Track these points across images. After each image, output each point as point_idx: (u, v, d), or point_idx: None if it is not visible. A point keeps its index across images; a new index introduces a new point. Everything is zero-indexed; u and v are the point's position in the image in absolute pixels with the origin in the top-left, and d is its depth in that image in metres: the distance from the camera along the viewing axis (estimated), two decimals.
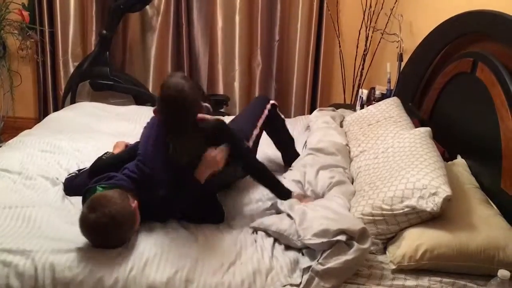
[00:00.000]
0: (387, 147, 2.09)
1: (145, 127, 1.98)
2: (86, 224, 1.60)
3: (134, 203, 1.69)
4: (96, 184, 1.77)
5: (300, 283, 1.55)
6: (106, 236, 1.61)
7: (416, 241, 1.62)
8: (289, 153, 2.41)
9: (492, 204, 1.84)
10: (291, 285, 1.55)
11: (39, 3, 3.58)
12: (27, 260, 1.55)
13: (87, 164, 2.16)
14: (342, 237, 1.57)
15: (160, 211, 1.80)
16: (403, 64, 2.91)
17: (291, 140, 2.45)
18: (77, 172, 2.12)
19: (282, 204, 1.88)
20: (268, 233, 1.77)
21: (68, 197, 1.98)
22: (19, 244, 1.60)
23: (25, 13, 3.41)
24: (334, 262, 1.54)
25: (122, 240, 1.65)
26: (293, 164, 2.28)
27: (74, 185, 2.04)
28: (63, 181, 2.08)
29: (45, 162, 2.20)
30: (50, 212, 1.82)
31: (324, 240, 1.58)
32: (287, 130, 2.44)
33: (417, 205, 1.64)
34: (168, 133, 1.82)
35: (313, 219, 1.69)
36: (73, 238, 1.66)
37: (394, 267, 1.63)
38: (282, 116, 2.44)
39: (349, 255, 1.55)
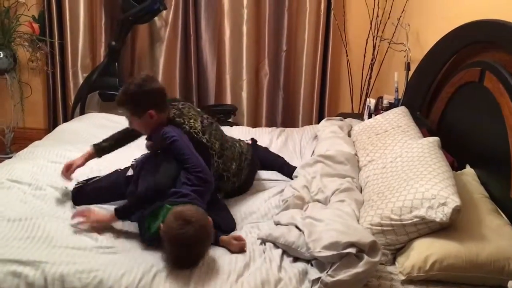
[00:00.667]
0: (396, 157, 2.08)
1: (177, 140, 1.95)
2: (181, 237, 1.60)
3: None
4: (171, 200, 1.79)
5: None
6: (200, 249, 1.65)
7: (425, 251, 1.62)
8: (286, 169, 2.45)
9: (502, 214, 1.83)
10: None
11: (49, 15, 3.63)
12: (36, 271, 1.56)
13: (95, 173, 2.18)
14: (352, 250, 1.55)
15: None
16: (410, 73, 2.91)
17: (281, 158, 2.55)
18: (85, 181, 2.13)
19: (284, 216, 1.89)
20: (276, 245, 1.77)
21: (76, 206, 1.99)
22: (29, 255, 1.62)
23: (35, 25, 3.46)
24: (344, 274, 1.53)
25: (203, 255, 1.68)
26: (298, 170, 2.30)
27: (85, 194, 2.05)
28: (71, 190, 2.10)
29: (55, 173, 2.21)
30: (59, 223, 1.83)
31: (334, 252, 1.56)
32: (273, 153, 2.57)
33: (426, 215, 1.63)
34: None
35: (322, 231, 1.67)
36: (82, 248, 1.68)
37: (403, 278, 1.62)
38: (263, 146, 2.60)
39: (359, 268, 1.53)
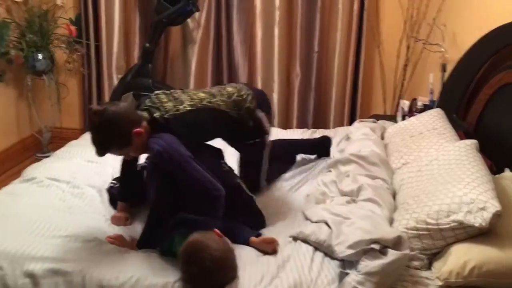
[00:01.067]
0: (431, 160, 2.04)
1: (162, 153, 1.76)
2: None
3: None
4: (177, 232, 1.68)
5: None
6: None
7: (463, 257, 1.58)
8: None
9: None
10: None
11: (85, 18, 3.71)
12: (75, 269, 1.60)
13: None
14: (375, 246, 1.56)
15: None
16: (446, 74, 2.85)
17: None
18: (114, 182, 2.16)
19: (313, 213, 1.91)
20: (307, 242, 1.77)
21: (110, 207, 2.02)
22: (68, 253, 1.66)
23: (73, 28, 3.55)
24: (371, 267, 1.53)
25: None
26: (330, 164, 2.35)
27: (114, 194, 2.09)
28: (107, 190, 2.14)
29: (92, 172, 2.27)
30: (97, 221, 1.87)
31: (358, 249, 1.58)
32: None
33: (464, 220, 1.60)
34: None
35: (349, 232, 1.68)
36: (118, 247, 1.71)
37: (440, 283, 1.59)
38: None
39: (386, 259, 1.53)
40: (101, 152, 1.79)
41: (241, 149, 2.24)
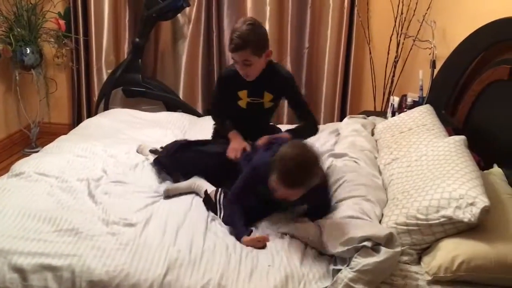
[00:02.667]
0: (421, 155, 2.06)
1: None
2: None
3: None
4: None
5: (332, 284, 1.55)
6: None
7: (452, 252, 1.59)
8: None
9: None
10: None
11: (74, 12, 3.68)
12: (64, 264, 1.59)
13: (124, 168, 2.25)
14: (367, 243, 1.57)
15: None
16: (435, 71, 2.87)
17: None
18: (160, 148, 2.28)
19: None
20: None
21: (103, 202, 1.99)
22: (57, 248, 1.65)
23: (61, 22, 3.51)
24: (364, 264, 1.54)
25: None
26: None
27: (179, 160, 2.18)
28: (152, 161, 2.27)
29: (81, 166, 2.25)
30: (86, 216, 1.86)
31: (349, 247, 1.59)
32: None
33: (453, 215, 1.61)
34: None
35: (339, 227, 1.70)
36: (107, 241, 1.70)
37: (429, 278, 1.60)
38: None
39: (379, 257, 1.54)
40: (238, 44, 2.04)
41: None
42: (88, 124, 2.94)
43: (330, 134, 2.77)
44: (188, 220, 1.86)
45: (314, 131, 2.33)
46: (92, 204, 1.97)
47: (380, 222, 1.81)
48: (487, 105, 2.31)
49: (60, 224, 1.79)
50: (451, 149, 1.95)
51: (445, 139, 2.09)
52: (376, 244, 1.58)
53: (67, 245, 1.66)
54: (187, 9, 3.62)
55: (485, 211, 1.59)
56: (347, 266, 1.57)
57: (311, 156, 1.75)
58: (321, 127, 3.05)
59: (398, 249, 1.59)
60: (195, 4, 3.65)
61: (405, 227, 1.71)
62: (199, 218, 1.89)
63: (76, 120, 3.85)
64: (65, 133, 2.81)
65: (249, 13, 3.63)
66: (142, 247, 1.67)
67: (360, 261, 1.55)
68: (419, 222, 1.68)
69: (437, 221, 1.65)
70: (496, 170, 2.08)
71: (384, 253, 1.55)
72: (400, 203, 1.84)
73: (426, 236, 1.68)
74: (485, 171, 2.08)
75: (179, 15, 3.64)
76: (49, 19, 3.53)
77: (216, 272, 1.58)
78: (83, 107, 3.87)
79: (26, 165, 2.23)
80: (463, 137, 2.04)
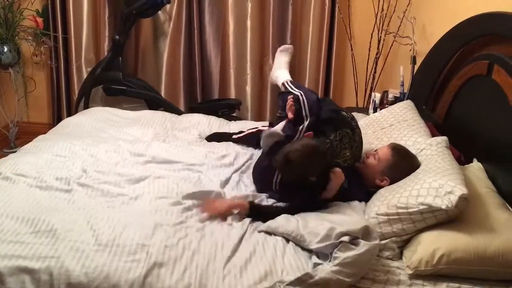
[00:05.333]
0: None
1: None
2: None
3: None
4: None
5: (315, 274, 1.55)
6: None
7: (432, 245, 1.61)
8: None
9: (510, 208, 1.82)
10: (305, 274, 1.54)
11: (52, 9, 3.62)
12: (42, 265, 1.55)
13: (104, 166, 2.21)
14: (345, 238, 1.59)
15: None
16: (416, 67, 2.89)
17: None
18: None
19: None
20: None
21: (82, 202, 1.95)
22: (34, 250, 1.61)
23: (39, 20, 3.45)
24: (344, 257, 1.55)
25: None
26: None
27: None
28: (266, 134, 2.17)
29: (60, 166, 2.21)
30: (64, 217, 1.82)
31: (327, 243, 1.61)
32: None
33: (432, 203, 1.63)
34: None
35: (315, 222, 1.70)
36: (86, 242, 1.67)
37: (410, 272, 1.61)
38: None
39: (359, 250, 1.56)
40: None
41: None
42: (67, 123, 2.90)
43: None
44: (167, 218, 1.84)
45: None
46: (71, 204, 1.94)
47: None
48: (466, 100, 2.33)
49: (38, 225, 1.75)
50: (433, 151, 1.99)
51: (427, 141, 2.11)
52: (354, 238, 1.59)
53: (44, 247, 1.62)
54: (168, 6, 3.59)
55: (463, 199, 1.61)
56: (329, 260, 1.58)
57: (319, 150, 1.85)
58: None
59: (377, 241, 1.61)
60: (176, 1, 3.62)
61: (385, 217, 1.73)
62: (178, 215, 1.87)
63: (56, 119, 3.79)
64: (45, 133, 2.76)
65: (231, 9, 3.62)
66: (122, 247, 1.64)
67: (340, 255, 1.56)
68: (400, 211, 1.70)
69: (416, 209, 1.66)
70: (476, 164, 2.10)
71: (363, 245, 1.57)
72: (382, 196, 1.85)
73: (406, 225, 1.69)
74: (465, 166, 2.10)
75: (159, 12, 3.61)
76: (26, 16, 3.46)
77: (197, 272, 1.57)
78: (63, 106, 3.81)
79: (3, 165, 2.18)
80: (445, 138, 2.08)
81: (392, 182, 1.95)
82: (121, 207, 1.93)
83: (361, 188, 2.02)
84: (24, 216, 1.79)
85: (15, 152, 2.60)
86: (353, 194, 1.97)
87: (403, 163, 1.98)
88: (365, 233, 1.61)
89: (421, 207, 1.65)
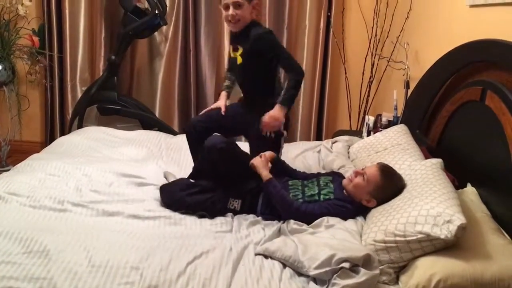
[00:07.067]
0: None
1: None
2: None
3: None
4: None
5: None
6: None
7: (429, 270, 1.60)
8: None
9: (505, 233, 1.82)
10: None
11: (49, 29, 3.64)
12: (34, 287, 1.52)
13: (98, 186, 2.17)
14: (345, 265, 1.57)
15: None
16: (409, 91, 2.92)
17: None
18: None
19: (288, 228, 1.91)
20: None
21: (75, 222, 1.94)
22: (26, 271, 1.58)
23: (35, 39, 3.46)
24: (343, 285, 1.53)
25: None
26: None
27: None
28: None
29: (54, 185, 2.19)
30: (57, 237, 1.80)
31: (327, 269, 1.59)
32: None
33: (431, 232, 1.62)
34: None
35: (316, 248, 1.68)
36: (79, 264, 1.64)
37: None
38: None
39: (359, 278, 1.54)
40: None
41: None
42: (61, 142, 2.88)
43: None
44: (163, 240, 1.82)
45: (298, 82, 2.35)
46: (64, 224, 1.92)
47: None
48: (460, 125, 2.36)
49: (30, 245, 1.73)
50: (428, 172, 1.99)
51: (422, 162, 2.12)
52: (354, 265, 1.57)
53: (37, 268, 1.60)
54: (164, 27, 3.62)
55: (461, 228, 1.60)
56: (327, 287, 1.56)
57: None
58: (297, 143, 3.09)
59: (377, 271, 1.60)
60: (172, 22, 3.66)
61: (383, 244, 1.72)
62: (173, 238, 1.85)
63: (49, 138, 3.78)
64: (37, 152, 2.74)
65: (227, 30, 3.65)
66: (115, 269, 1.62)
67: (340, 282, 1.54)
68: (397, 239, 1.69)
69: (414, 238, 1.65)
70: (470, 189, 2.11)
71: (363, 274, 1.55)
72: (378, 220, 1.84)
73: (404, 253, 1.68)
74: (460, 190, 2.11)
75: (156, 33, 3.64)
76: (22, 35, 3.47)
77: None
78: (56, 125, 3.80)
79: None
80: (439, 160, 2.08)
81: (379, 203, 1.97)
82: (115, 227, 1.91)
83: (345, 200, 2.06)
84: (17, 236, 1.77)
85: (7, 170, 2.57)
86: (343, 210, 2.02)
87: (391, 185, 2.00)
88: (366, 261, 1.60)
89: (419, 235, 1.64)
